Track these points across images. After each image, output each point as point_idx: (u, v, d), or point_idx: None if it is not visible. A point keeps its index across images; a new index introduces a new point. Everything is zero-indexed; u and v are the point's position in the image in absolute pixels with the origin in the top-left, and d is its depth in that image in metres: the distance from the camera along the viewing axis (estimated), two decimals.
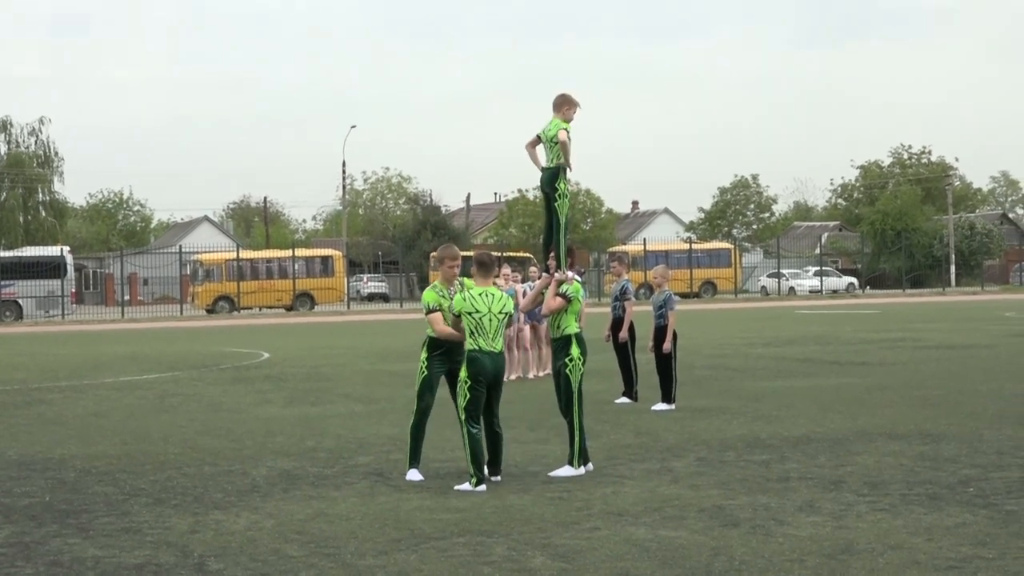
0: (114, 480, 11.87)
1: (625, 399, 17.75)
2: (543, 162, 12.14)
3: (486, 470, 11.16)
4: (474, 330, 11.15)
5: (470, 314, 11.15)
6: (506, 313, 11.33)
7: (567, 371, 11.77)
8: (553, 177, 12.04)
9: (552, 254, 12.06)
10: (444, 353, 11.60)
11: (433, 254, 12.21)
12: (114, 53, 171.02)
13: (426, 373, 11.60)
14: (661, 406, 16.69)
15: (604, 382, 20.10)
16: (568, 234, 12.10)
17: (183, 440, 14.71)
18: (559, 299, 11.83)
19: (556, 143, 11.97)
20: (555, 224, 12.05)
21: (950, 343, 29.07)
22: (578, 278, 12.13)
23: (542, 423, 15.38)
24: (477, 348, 11.15)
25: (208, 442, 14.49)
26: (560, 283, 11.89)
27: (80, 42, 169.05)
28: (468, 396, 11.13)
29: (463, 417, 11.14)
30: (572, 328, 11.85)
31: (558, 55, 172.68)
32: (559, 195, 12.03)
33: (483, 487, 10.91)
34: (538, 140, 12.22)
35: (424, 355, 11.65)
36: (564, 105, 12.19)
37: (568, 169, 12.01)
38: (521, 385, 20.67)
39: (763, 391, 18.81)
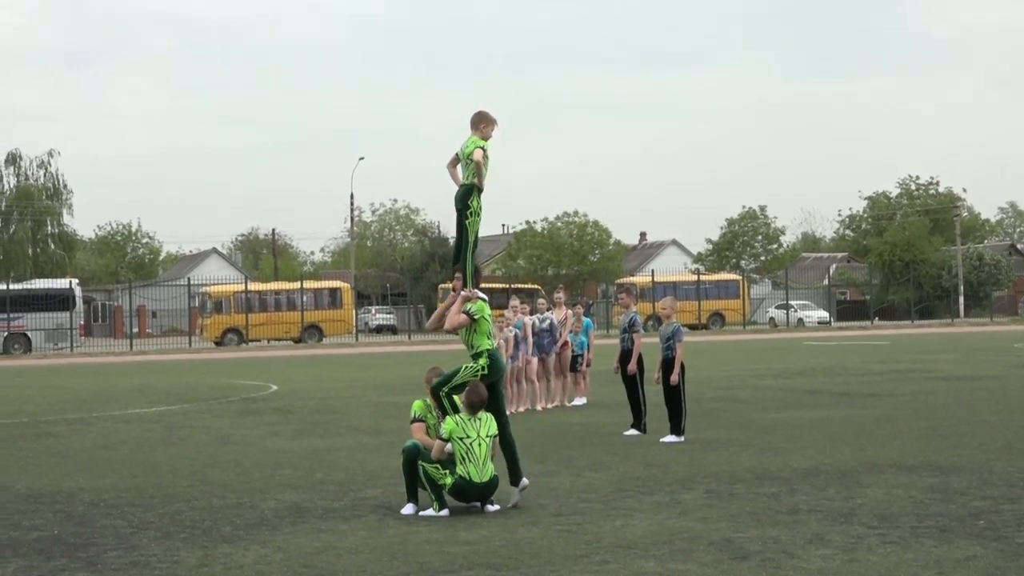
0: (123, 513, 11.86)
1: (634, 431, 17.71)
2: (461, 180, 12.07)
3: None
4: (464, 456, 11.19)
5: (461, 439, 11.21)
6: (492, 436, 11.38)
7: (464, 366, 11.73)
8: (466, 194, 11.94)
9: (458, 273, 12.06)
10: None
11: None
12: (122, 86, 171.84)
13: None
14: (670, 438, 16.65)
15: (613, 414, 20.08)
16: (475, 252, 12.00)
17: (192, 473, 14.70)
18: (462, 316, 11.80)
19: (471, 161, 11.91)
20: (464, 242, 11.97)
21: (959, 374, 29.00)
22: (483, 296, 12.06)
23: (550, 456, 15.35)
24: (466, 477, 11.18)
25: (217, 475, 14.48)
26: (466, 300, 11.88)
27: (88, 75, 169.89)
28: (447, 486, 11.24)
29: (423, 466, 11.32)
30: (484, 345, 11.84)
31: (566, 85, 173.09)
32: (471, 213, 11.93)
33: (447, 511, 11.16)
34: (457, 159, 12.14)
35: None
36: (481, 123, 12.12)
37: (479, 189, 11.92)
38: (529, 417, 20.64)
39: (772, 423, 18.77)
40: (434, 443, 11.48)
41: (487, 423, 11.37)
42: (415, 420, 11.90)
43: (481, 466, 11.22)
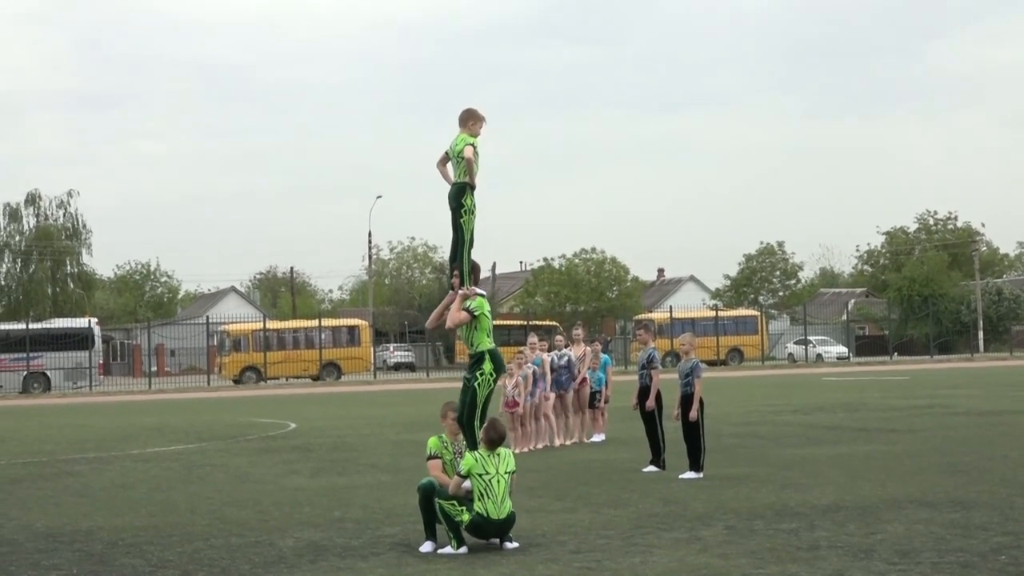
0: (141, 552, 11.85)
1: (653, 467, 17.67)
2: (453, 178, 12.08)
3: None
4: (483, 493, 11.17)
5: (480, 475, 11.18)
6: (511, 472, 11.35)
7: (476, 384, 11.76)
8: (459, 193, 11.98)
9: (456, 271, 12.05)
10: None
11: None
12: (140, 127, 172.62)
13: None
14: (689, 474, 16.60)
15: (632, 450, 20.04)
16: (472, 250, 12.01)
17: (210, 511, 14.69)
18: (463, 313, 11.81)
19: (463, 159, 11.93)
20: (460, 240, 12.00)
21: (979, 409, 28.89)
22: (482, 293, 12.06)
23: (569, 492, 15.32)
24: (484, 513, 11.16)
25: (235, 513, 14.47)
26: (465, 298, 11.87)
27: (109, 118, 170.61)
28: (464, 523, 11.20)
29: (441, 503, 11.30)
30: (485, 344, 11.84)
31: (582, 125, 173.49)
32: (464, 211, 11.96)
33: (465, 549, 11.13)
34: (447, 157, 12.16)
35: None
36: (470, 120, 12.14)
37: (472, 187, 11.94)
38: (547, 454, 20.62)
39: (791, 459, 18.70)
40: (451, 480, 11.48)
41: (506, 459, 11.34)
42: (431, 457, 11.90)
43: (499, 503, 11.20)
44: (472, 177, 11.92)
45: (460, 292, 11.96)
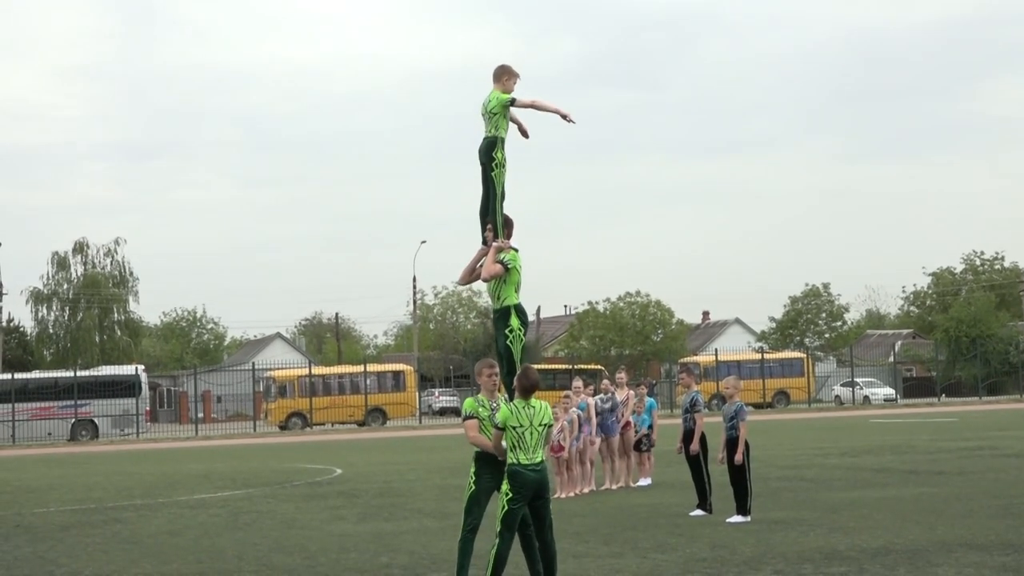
0: None
1: (700, 511, 17.60)
2: (486, 132, 12.11)
3: None
4: (515, 444, 11.02)
5: (514, 428, 11.05)
6: (546, 425, 11.21)
7: (508, 343, 11.68)
8: (490, 147, 12.02)
9: (489, 224, 12.00)
10: (493, 468, 11.40)
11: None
12: (186, 176, 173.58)
13: (474, 488, 11.47)
14: (736, 518, 16.53)
15: (678, 495, 19.97)
16: (503, 203, 11.99)
17: (257, 558, 14.73)
18: (498, 265, 11.71)
19: (495, 114, 12.00)
20: (492, 194, 11.98)
21: None
22: (515, 247, 11.98)
23: (615, 537, 15.27)
24: (517, 462, 11.02)
25: (282, 560, 14.50)
26: (499, 250, 11.80)
27: (153, 166, 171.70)
28: (506, 508, 11.01)
29: (498, 527, 11.05)
30: (512, 299, 11.75)
31: (624, 170, 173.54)
32: (495, 164, 11.98)
33: None
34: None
35: (472, 469, 11.53)
36: (503, 75, 12.18)
37: (502, 140, 12.01)
38: (594, 498, 20.56)
39: (839, 502, 18.59)
40: (487, 441, 11.35)
41: (541, 411, 11.13)
42: (467, 418, 11.61)
43: (532, 453, 11.05)
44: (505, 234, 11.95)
45: (494, 244, 11.86)
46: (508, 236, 12.02)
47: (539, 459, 11.09)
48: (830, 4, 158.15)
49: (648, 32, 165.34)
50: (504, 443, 11.11)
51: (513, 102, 12.03)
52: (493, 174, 11.99)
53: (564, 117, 12.20)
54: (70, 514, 21.40)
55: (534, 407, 11.15)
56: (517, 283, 11.82)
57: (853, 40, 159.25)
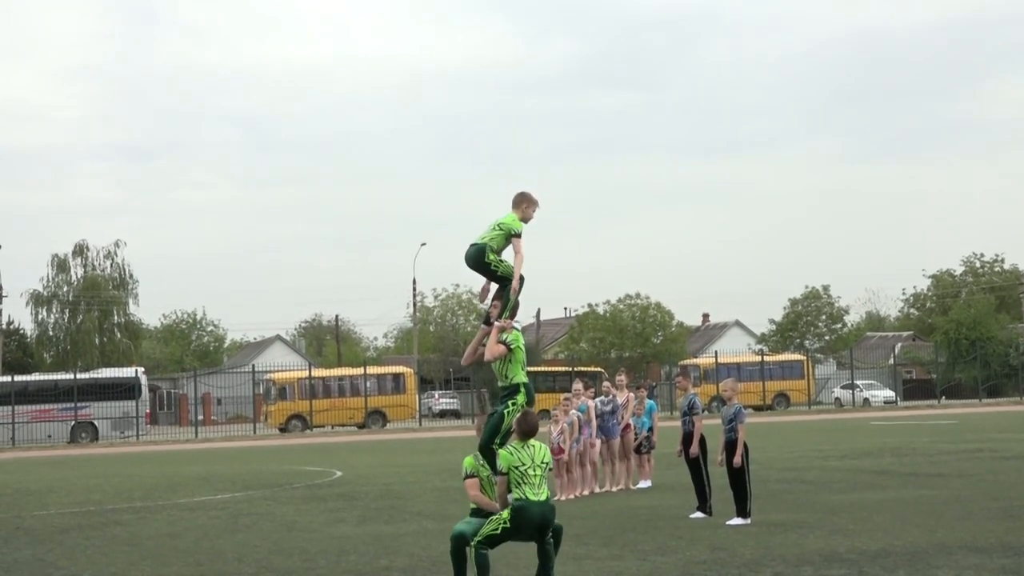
0: None
1: (700, 514, 17.60)
2: (482, 239, 12.03)
3: None
4: (519, 481, 10.99)
5: (516, 467, 11.02)
6: (546, 463, 11.19)
7: (505, 411, 11.66)
8: (480, 253, 11.94)
9: (495, 302, 12.01)
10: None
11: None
12: (187, 177, 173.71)
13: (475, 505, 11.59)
14: (736, 520, 16.53)
15: (678, 497, 19.96)
16: (521, 288, 11.96)
17: (257, 560, 14.72)
18: (501, 346, 11.75)
19: (500, 231, 11.92)
20: (506, 283, 11.97)
21: None
22: (517, 327, 12.02)
23: (615, 539, 15.27)
24: (524, 498, 10.95)
25: (282, 562, 14.50)
26: (502, 331, 11.83)
27: (153, 167, 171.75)
28: (497, 532, 10.97)
29: (476, 540, 11.01)
30: (520, 377, 11.80)
31: (624, 171, 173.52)
32: (494, 264, 11.95)
33: None
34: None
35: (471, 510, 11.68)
36: (523, 203, 12.16)
37: (519, 283, 11.94)
38: (594, 501, 20.56)
39: (839, 504, 18.58)
40: (489, 501, 11.37)
41: (540, 451, 11.14)
42: (468, 476, 11.66)
43: (537, 489, 11.02)
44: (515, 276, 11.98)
45: (497, 324, 11.91)
46: (512, 317, 12.07)
47: (544, 496, 11.03)
48: (830, 4, 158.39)
49: (648, 32, 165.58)
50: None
51: (519, 235, 11.97)
52: (500, 271, 11.98)
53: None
54: (70, 516, 21.40)
55: (533, 447, 11.17)
56: (523, 361, 11.89)
57: (853, 40, 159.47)
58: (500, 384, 11.96)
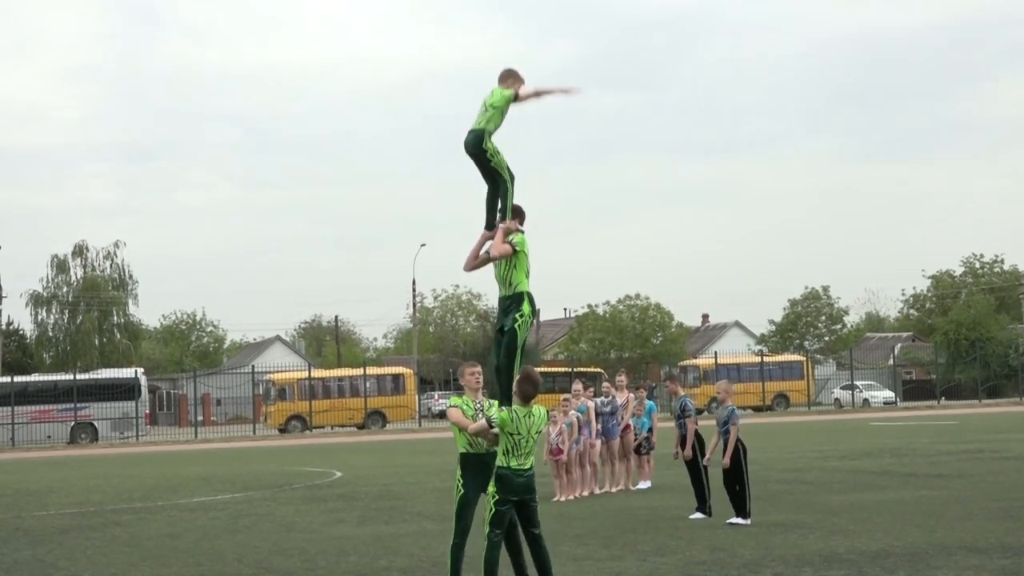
0: None
1: (699, 514, 17.61)
2: (474, 125, 11.66)
3: None
4: (509, 449, 10.92)
5: (511, 434, 10.92)
6: (539, 432, 11.10)
7: (516, 326, 11.30)
8: (478, 139, 11.53)
9: (499, 207, 11.60)
10: (478, 472, 11.32)
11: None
12: (187, 178, 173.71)
13: (463, 491, 11.36)
14: (736, 520, 16.53)
15: (678, 498, 19.96)
16: (513, 196, 11.62)
17: (257, 561, 14.72)
18: (507, 245, 11.34)
19: (494, 108, 11.58)
20: (500, 181, 11.60)
21: None
22: (522, 230, 11.63)
23: (615, 540, 15.27)
24: (507, 467, 10.92)
25: (282, 562, 14.50)
26: (508, 232, 11.43)
27: (153, 168, 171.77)
28: (493, 510, 10.90)
29: (486, 529, 10.96)
30: (524, 285, 11.42)
31: (624, 171, 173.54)
32: (490, 155, 11.56)
33: None
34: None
35: (459, 474, 11.43)
36: (510, 78, 11.82)
37: (489, 132, 11.59)
38: (593, 501, 20.56)
39: (839, 505, 18.59)
40: (466, 420, 11.27)
41: (538, 419, 11.05)
42: (452, 406, 11.50)
43: (523, 459, 10.94)
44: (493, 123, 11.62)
45: (502, 226, 11.50)
46: (518, 222, 11.68)
47: (528, 465, 10.99)
48: (830, 4, 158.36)
49: (648, 32, 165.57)
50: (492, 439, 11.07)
51: (516, 98, 11.76)
52: (493, 164, 11.59)
53: (567, 92, 12.02)
54: (69, 517, 21.40)
55: (533, 415, 11.03)
56: (527, 269, 11.49)
57: (853, 40, 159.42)
58: (502, 293, 11.52)
